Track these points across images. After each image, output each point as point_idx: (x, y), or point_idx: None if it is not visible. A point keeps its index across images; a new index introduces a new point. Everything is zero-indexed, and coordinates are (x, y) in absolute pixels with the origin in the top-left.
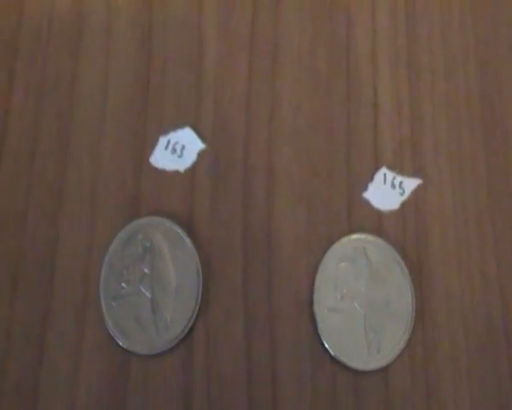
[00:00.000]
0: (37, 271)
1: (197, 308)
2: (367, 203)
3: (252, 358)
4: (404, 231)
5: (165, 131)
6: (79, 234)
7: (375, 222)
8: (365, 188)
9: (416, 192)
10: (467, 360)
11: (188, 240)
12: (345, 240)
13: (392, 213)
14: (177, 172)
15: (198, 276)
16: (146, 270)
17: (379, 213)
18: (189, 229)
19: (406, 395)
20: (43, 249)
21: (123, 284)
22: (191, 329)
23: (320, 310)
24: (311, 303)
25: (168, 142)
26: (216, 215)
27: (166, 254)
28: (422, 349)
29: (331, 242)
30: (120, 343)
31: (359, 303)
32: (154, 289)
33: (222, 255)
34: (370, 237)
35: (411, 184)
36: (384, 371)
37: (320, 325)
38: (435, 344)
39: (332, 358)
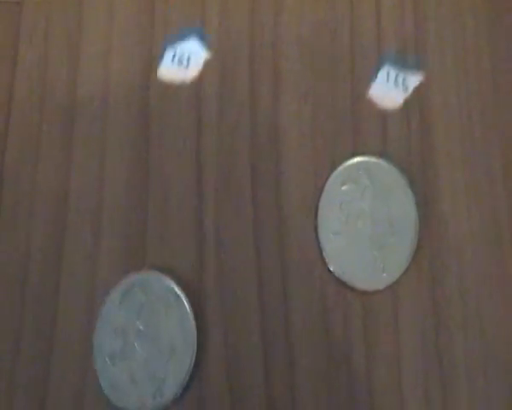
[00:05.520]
0: (52, 194)
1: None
2: (370, 102)
3: (262, 277)
4: (408, 130)
5: (171, 42)
6: (91, 158)
7: (380, 121)
8: (369, 87)
9: (419, 89)
10: (471, 252)
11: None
12: (348, 163)
13: (396, 112)
14: (183, 83)
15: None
16: None
17: (383, 113)
18: (198, 135)
19: (414, 311)
20: (57, 174)
21: None
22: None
23: (324, 234)
24: (316, 213)
25: (174, 54)
26: (223, 120)
27: None
28: (429, 253)
29: (336, 145)
30: None
31: (364, 223)
32: None
33: (229, 161)
34: (373, 159)
35: (414, 80)
36: (390, 288)
37: (325, 249)
38: (440, 248)
39: (338, 280)
